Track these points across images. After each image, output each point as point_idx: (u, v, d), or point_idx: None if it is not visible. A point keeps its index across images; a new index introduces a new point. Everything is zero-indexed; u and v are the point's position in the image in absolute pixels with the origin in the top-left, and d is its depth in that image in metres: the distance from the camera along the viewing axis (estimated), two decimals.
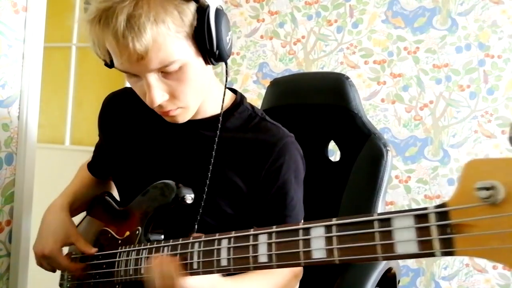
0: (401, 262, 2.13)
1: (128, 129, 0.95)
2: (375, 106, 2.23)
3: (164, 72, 0.72)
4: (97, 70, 2.52)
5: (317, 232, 0.53)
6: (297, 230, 0.55)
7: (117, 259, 0.84)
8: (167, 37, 0.68)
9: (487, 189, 0.39)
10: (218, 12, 0.73)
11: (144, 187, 0.87)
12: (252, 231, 0.61)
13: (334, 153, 1.69)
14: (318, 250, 0.52)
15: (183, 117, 0.81)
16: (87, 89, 2.53)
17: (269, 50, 2.39)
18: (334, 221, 0.52)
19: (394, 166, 2.18)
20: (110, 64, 0.79)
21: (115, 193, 1.06)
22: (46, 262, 0.95)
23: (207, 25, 0.71)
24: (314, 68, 2.32)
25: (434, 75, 2.16)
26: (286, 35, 2.37)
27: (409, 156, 2.18)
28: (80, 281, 0.95)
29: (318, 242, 0.52)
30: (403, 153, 2.19)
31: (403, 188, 2.17)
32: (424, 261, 2.13)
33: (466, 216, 0.41)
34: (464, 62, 2.12)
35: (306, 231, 0.54)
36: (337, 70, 2.27)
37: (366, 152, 1.21)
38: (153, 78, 0.72)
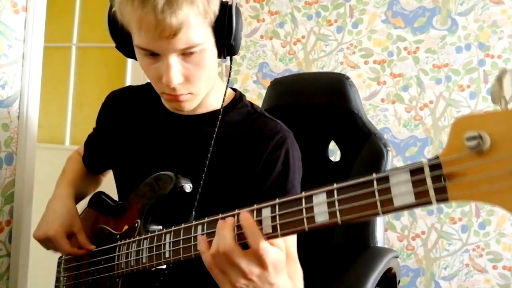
0: (401, 262, 2.13)
1: (129, 125, 0.97)
2: (375, 106, 2.23)
3: (185, 54, 0.76)
4: (97, 70, 2.52)
5: (319, 198, 0.56)
6: (299, 199, 0.58)
7: (117, 253, 0.84)
8: (197, 19, 0.73)
9: (475, 138, 0.42)
10: (238, 8, 0.80)
11: (140, 180, 0.87)
12: (255, 206, 0.62)
13: (334, 153, 1.69)
14: (321, 214, 0.55)
15: (189, 104, 0.83)
16: (87, 89, 2.53)
17: (269, 50, 2.39)
18: (335, 185, 0.55)
19: (394, 166, 2.18)
20: (122, 47, 0.84)
21: (102, 188, 1.08)
22: (51, 245, 0.93)
23: (229, 17, 0.77)
24: (314, 68, 2.32)
25: (434, 75, 2.16)
26: (286, 35, 2.37)
27: (409, 156, 2.18)
28: (77, 281, 0.94)
29: (320, 207, 0.55)
30: (403, 153, 2.19)
31: None
32: (424, 261, 2.13)
33: (457, 165, 0.45)
34: (464, 62, 2.12)
35: (309, 198, 0.57)
36: (337, 70, 2.27)
37: (367, 152, 1.21)
38: (174, 60, 0.75)
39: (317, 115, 1.31)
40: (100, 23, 0.85)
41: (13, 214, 1.21)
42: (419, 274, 2.14)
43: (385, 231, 2.13)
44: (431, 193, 0.46)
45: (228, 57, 0.83)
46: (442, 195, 0.46)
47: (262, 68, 2.39)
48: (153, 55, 0.77)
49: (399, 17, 2.21)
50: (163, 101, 0.91)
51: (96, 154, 1.07)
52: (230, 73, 0.89)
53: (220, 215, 0.65)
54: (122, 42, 0.83)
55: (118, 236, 0.87)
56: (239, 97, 0.93)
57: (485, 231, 2.06)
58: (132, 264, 0.80)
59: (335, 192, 0.54)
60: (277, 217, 0.59)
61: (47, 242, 0.93)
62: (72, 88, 2.54)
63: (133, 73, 2.34)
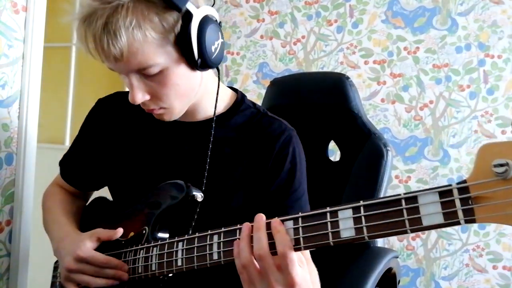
0: (401, 262, 2.13)
1: (123, 133, 0.94)
2: (375, 106, 2.23)
3: (144, 74, 0.74)
4: (97, 70, 2.52)
5: (345, 214, 0.57)
6: (324, 213, 0.58)
7: (122, 259, 0.82)
8: (144, 42, 0.70)
9: (502, 165, 0.46)
10: (205, 21, 0.73)
11: (144, 190, 0.86)
12: (278, 218, 0.62)
13: (334, 153, 1.69)
14: (347, 230, 0.56)
15: (168, 116, 0.81)
16: (87, 89, 2.53)
17: (269, 50, 2.39)
18: (361, 202, 0.56)
19: (394, 166, 2.18)
20: None
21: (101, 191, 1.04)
22: (83, 269, 0.80)
23: (188, 35, 0.71)
24: (314, 68, 2.32)
25: (434, 75, 2.16)
26: (286, 35, 2.37)
27: (409, 156, 2.18)
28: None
29: (347, 222, 0.56)
30: (403, 153, 2.19)
31: (403, 188, 2.17)
32: (424, 261, 2.13)
33: (484, 189, 0.47)
34: (464, 62, 2.12)
35: (334, 213, 0.57)
36: (337, 70, 2.28)
37: (366, 152, 1.21)
38: (134, 78, 0.74)
39: (317, 115, 1.31)
40: None
41: (13, 214, 1.21)
42: (419, 274, 2.14)
43: None
44: (460, 214, 0.49)
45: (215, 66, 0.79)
46: (470, 217, 0.48)
47: (262, 68, 2.40)
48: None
49: (399, 17, 2.21)
50: None
51: (85, 168, 1.00)
52: (219, 83, 0.86)
53: (238, 226, 0.65)
54: None
55: (123, 242, 0.85)
56: (240, 99, 0.92)
57: (485, 231, 2.06)
58: (139, 270, 0.78)
59: (362, 208, 0.55)
60: (300, 229, 0.59)
61: (80, 265, 0.80)
62: (72, 88, 2.54)
63: None
